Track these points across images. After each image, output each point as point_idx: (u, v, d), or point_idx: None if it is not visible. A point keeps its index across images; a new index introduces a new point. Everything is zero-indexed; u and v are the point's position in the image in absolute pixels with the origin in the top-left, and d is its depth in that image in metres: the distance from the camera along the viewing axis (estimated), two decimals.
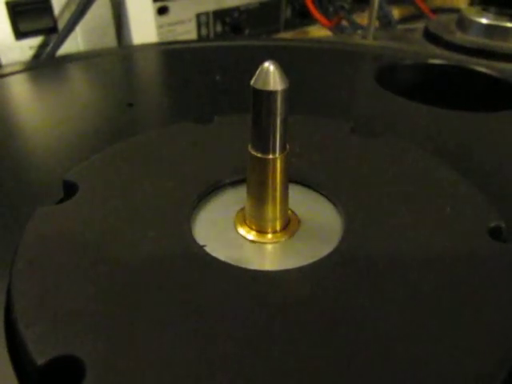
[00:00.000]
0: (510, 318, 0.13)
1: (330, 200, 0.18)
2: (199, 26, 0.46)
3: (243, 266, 0.15)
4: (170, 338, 0.13)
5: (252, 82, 0.14)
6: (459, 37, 0.43)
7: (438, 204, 0.17)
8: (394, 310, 0.13)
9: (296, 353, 0.12)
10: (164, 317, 0.13)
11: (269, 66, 0.14)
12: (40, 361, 0.12)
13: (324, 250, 0.16)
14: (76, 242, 0.16)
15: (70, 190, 0.18)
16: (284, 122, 0.15)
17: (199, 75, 0.33)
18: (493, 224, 0.16)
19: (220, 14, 0.47)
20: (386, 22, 0.51)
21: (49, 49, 0.37)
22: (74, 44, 0.39)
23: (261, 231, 0.17)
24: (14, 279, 0.14)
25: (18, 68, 0.33)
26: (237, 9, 0.48)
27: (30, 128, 0.26)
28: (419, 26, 0.49)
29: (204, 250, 0.16)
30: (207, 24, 0.47)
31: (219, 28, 0.48)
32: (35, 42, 0.37)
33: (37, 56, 0.38)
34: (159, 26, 0.43)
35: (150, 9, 0.41)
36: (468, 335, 0.13)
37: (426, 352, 0.12)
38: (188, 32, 0.46)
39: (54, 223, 0.16)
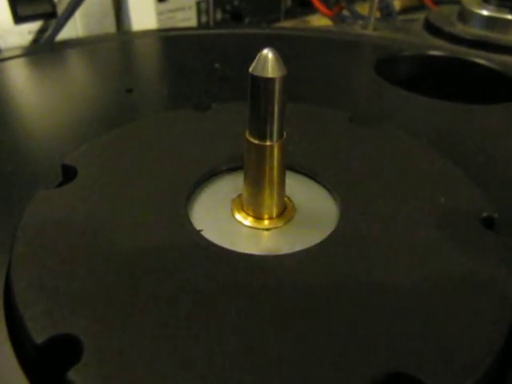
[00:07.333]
0: (498, 305, 0.13)
1: (326, 187, 0.18)
2: (199, 13, 0.46)
3: (240, 250, 0.15)
4: (166, 320, 0.13)
5: (250, 68, 0.14)
6: (459, 28, 0.43)
7: (432, 193, 0.18)
8: (388, 296, 0.14)
9: (292, 336, 0.13)
10: (161, 299, 0.13)
11: (267, 53, 0.14)
12: (39, 339, 0.12)
13: (319, 236, 0.16)
14: (74, 224, 0.16)
15: (68, 174, 0.18)
16: (281, 109, 0.15)
17: (198, 62, 0.33)
18: (486, 214, 0.17)
19: (220, 2, 0.47)
20: (386, 12, 0.51)
21: (48, 34, 0.37)
22: (72, 29, 0.39)
23: (257, 217, 0.17)
24: (13, 260, 0.14)
25: (17, 53, 0.33)
26: None
27: (29, 113, 0.26)
28: (420, 16, 0.49)
29: (201, 235, 0.16)
30: (207, 11, 0.47)
31: (219, 15, 0.48)
32: (34, 26, 0.37)
33: (36, 41, 0.37)
34: (159, 13, 0.43)
35: None
36: (457, 323, 0.13)
37: (423, 337, 0.12)
38: (188, 19, 0.45)
39: (53, 206, 0.17)
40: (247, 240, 0.17)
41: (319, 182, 0.19)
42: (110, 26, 0.41)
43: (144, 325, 0.13)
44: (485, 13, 0.42)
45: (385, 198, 0.17)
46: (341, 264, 0.15)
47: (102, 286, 0.14)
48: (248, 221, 0.17)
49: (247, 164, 0.16)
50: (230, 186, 0.19)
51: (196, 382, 0.11)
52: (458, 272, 0.14)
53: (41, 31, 0.37)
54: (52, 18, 0.37)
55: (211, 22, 0.48)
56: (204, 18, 0.47)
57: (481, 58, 0.33)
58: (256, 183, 0.16)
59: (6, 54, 0.33)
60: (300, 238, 0.16)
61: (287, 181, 0.17)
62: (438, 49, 0.35)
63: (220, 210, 0.18)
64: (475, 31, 0.42)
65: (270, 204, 0.17)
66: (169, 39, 0.38)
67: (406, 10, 0.57)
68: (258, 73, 0.14)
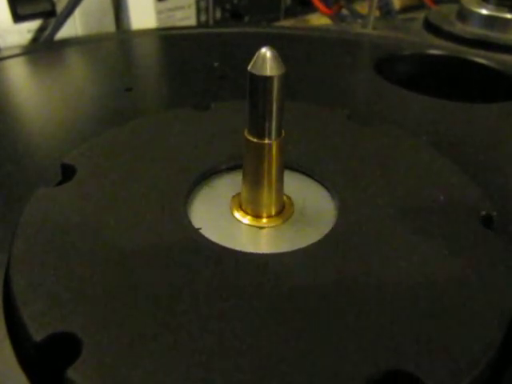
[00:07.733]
0: (497, 304, 0.13)
1: (324, 186, 0.18)
2: (199, 12, 0.46)
3: (238, 248, 0.15)
4: (165, 318, 0.13)
5: (249, 67, 0.14)
6: (459, 27, 0.43)
7: (431, 191, 0.18)
8: (387, 294, 0.14)
9: (290, 335, 0.13)
10: (160, 298, 0.13)
11: (266, 51, 0.14)
12: (38, 337, 0.12)
13: (318, 234, 0.16)
14: (73, 223, 0.16)
15: (68, 172, 0.18)
16: (280, 107, 0.15)
17: (198, 61, 0.33)
18: (484, 212, 0.17)
19: (220, 1, 0.47)
20: (386, 11, 0.51)
21: (47, 32, 0.37)
22: (72, 28, 0.39)
23: (256, 216, 0.17)
24: (12, 259, 0.14)
25: (16, 51, 0.33)
26: None
27: (28, 112, 0.26)
28: (419, 15, 0.49)
29: (199, 233, 0.16)
30: (207, 10, 0.47)
31: (218, 14, 0.48)
32: (34, 25, 0.37)
33: (35, 39, 0.37)
34: (158, 12, 0.43)
35: None
36: (456, 322, 0.13)
37: (422, 336, 0.12)
38: (187, 18, 0.45)
39: (52, 205, 0.17)
40: (246, 238, 0.17)
41: (318, 181, 0.19)
42: (109, 25, 0.41)
43: (143, 323, 0.13)
44: (484, 12, 0.42)
45: (383, 196, 0.17)
46: (339, 262, 0.15)
47: (100, 284, 0.14)
48: (247, 219, 0.17)
49: (246, 162, 0.16)
50: (229, 184, 0.19)
51: (196, 382, 0.11)
52: (457, 271, 0.14)
53: (40, 30, 0.37)
54: (51, 16, 0.37)
55: (211, 21, 0.48)
56: (203, 17, 0.47)
57: (480, 57, 0.33)
58: (255, 182, 0.16)
59: (5, 53, 0.33)
60: (298, 237, 0.16)
61: (286, 179, 0.17)
62: (438, 48, 0.35)
63: (219, 208, 0.18)
64: (474, 30, 0.42)
65: (269, 202, 0.17)
66: (168, 38, 0.38)
67: (405, 9, 0.57)
68: (256, 71, 0.14)
